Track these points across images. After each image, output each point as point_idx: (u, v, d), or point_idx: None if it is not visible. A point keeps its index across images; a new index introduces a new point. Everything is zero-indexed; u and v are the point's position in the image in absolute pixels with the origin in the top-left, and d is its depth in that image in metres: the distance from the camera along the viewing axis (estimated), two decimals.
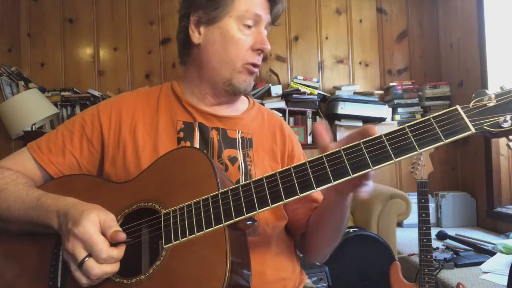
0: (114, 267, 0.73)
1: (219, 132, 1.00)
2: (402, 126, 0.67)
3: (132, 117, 1.01)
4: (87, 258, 0.72)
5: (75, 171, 0.98)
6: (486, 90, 0.65)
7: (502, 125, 0.62)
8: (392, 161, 0.65)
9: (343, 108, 3.06)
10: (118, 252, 0.74)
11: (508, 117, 0.62)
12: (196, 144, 0.98)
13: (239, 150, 1.00)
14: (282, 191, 0.70)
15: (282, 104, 3.15)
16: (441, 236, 2.50)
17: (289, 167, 0.71)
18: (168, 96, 1.05)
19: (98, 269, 0.71)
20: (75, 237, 0.73)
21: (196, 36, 1.00)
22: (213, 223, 0.73)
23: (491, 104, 0.63)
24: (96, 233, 0.73)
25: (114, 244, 0.74)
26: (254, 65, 0.99)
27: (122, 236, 0.74)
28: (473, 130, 0.63)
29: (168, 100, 1.04)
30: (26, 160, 0.98)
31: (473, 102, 0.65)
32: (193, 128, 1.00)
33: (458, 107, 0.65)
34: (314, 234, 0.99)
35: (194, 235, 0.74)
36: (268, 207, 0.71)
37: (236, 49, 0.97)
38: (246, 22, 0.97)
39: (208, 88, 1.02)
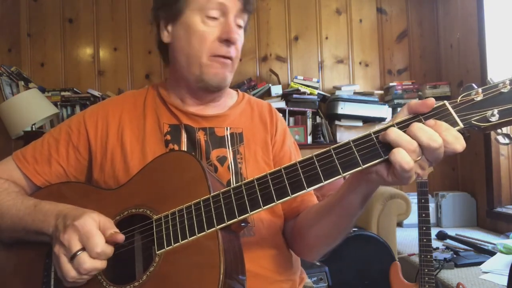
0: (103, 264, 0.74)
1: (206, 132, 0.99)
2: (391, 124, 0.66)
3: (119, 122, 0.99)
4: (80, 252, 0.72)
5: (62, 180, 0.97)
6: (473, 85, 0.65)
7: (490, 119, 0.62)
8: (382, 158, 0.65)
9: (343, 108, 3.06)
10: (111, 249, 0.74)
11: (495, 111, 0.61)
12: (184, 147, 0.97)
13: (228, 148, 0.98)
14: (273, 192, 0.70)
15: (282, 104, 3.15)
16: (441, 236, 2.51)
17: (279, 168, 0.71)
18: (154, 99, 1.04)
19: (89, 264, 0.71)
20: (74, 229, 0.73)
21: (165, 35, 0.98)
22: (205, 227, 0.72)
23: (478, 99, 0.63)
24: (95, 227, 0.74)
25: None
26: (224, 57, 0.94)
27: (121, 237, 0.75)
28: (461, 125, 0.63)
29: (154, 103, 1.03)
30: (12, 169, 0.97)
31: (460, 97, 0.65)
32: (179, 131, 0.98)
33: (446, 102, 0.65)
34: (317, 225, 0.91)
35: (186, 240, 0.73)
36: (260, 209, 0.70)
37: (199, 43, 0.93)
38: (210, 14, 0.92)
39: (184, 88, 1.00)
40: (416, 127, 0.63)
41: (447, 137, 0.62)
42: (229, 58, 0.95)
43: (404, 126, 0.65)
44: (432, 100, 0.65)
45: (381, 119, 3.14)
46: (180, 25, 0.95)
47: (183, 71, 0.97)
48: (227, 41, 0.93)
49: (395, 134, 0.63)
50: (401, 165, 0.62)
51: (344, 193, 0.80)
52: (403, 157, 0.62)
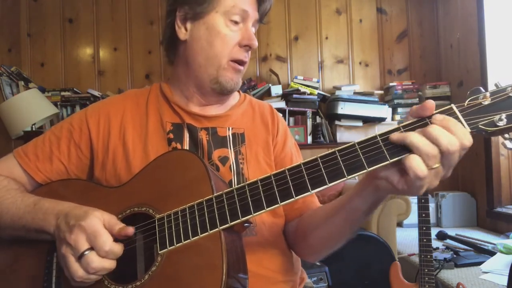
0: (112, 264, 0.74)
1: (209, 132, 0.99)
2: (397, 126, 0.66)
3: (121, 121, 0.99)
4: (88, 251, 0.72)
5: (63, 177, 0.97)
6: (481, 88, 0.64)
7: (498, 124, 0.61)
8: (388, 162, 0.64)
9: (343, 108, 3.06)
10: (119, 248, 0.74)
11: (503, 116, 0.61)
12: (186, 146, 0.97)
13: (230, 148, 0.99)
14: (277, 194, 0.70)
15: (282, 104, 3.15)
16: (441, 236, 2.50)
17: (283, 169, 0.71)
18: (157, 97, 1.04)
19: (97, 263, 0.71)
20: (80, 229, 0.73)
21: (182, 32, 0.98)
22: (208, 228, 0.72)
23: (486, 103, 0.63)
24: (102, 226, 0.74)
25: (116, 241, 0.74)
26: (241, 62, 0.98)
27: (130, 230, 0.75)
28: (468, 129, 0.63)
29: (157, 101, 1.03)
30: (13, 166, 0.97)
31: (468, 100, 0.64)
32: (182, 130, 0.99)
33: (453, 106, 0.65)
34: (322, 228, 0.91)
35: (189, 240, 0.73)
36: (264, 211, 0.70)
37: (222, 45, 0.95)
38: (233, 18, 0.95)
39: (195, 87, 1.01)
40: (438, 130, 0.61)
41: (457, 132, 0.61)
42: (244, 63, 0.98)
43: (410, 129, 0.64)
44: (430, 102, 0.64)
45: (381, 119, 3.14)
46: (202, 25, 0.96)
47: (199, 70, 0.98)
48: (247, 47, 0.97)
49: (416, 137, 0.61)
50: (415, 171, 0.60)
51: (351, 199, 0.79)
52: (419, 164, 0.61)
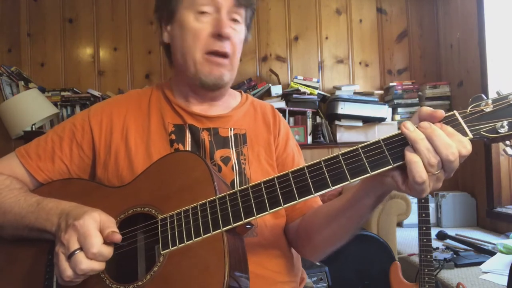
0: (101, 265, 0.73)
1: (210, 133, 0.99)
2: (399, 132, 0.66)
3: (123, 122, 1.00)
4: (78, 251, 0.71)
5: (64, 177, 0.97)
6: (483, 95, 0.66)
7: (499, 131, 0.63)
8: (390, 166, 0.65)
9: (343, 108, 3.06)
10: (109, 251, 0.74)
11: (505, 123, 0.62)
12: (188, 147, 0.97)
13: (232, 148, 0.99)
14: (280, 196, 0.70)
15: (282, 104, 3.15)
16: (441, 236, 2.51)
17: (287, 171, 0.71)
18: (158, 98, 1.04)
19: (86, 264, 0.71)
20: (73, 229, 0.73)
21: (166, 36, 1.01)
22: (210, 229, 0.72)
23: (488, 110, 0.64)
24: (94, 228, 0.73)
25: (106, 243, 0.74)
26: (218, 53, 0.93)
27: (118, 237, 0.74)
28: (470, 135, 0.64)
29: (158, 102, 1.03)
30: (15, 165, 0.97)
31: (470, 107, 0.65)
32: (184, 131, 0.99)
33: (456, 112, 0.66)
34: (327, 228, 0.90)
35: (191, 241, 0.73)
36: (266, 213, 0.71)
37: (193, 39, 0.93)
38: (201, 9, 0.93)
39: (187, 86, 1.01)
40: (438, 133, 0.62)
41: (455, 142, 0.63)
42: (224, 54, 0.94)
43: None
44: (441, 112, 0.65)
45: (381, 119, 3.14)
46: (176, 24, 0.97)
47: (182, 69, 0.98)
48: (220, 36, 0.93)
49: (424, 144, 0.62)
50: (414, 177, 0.62)
51: (355, 195, 0.79)
52: (418, 170, 0.62)
